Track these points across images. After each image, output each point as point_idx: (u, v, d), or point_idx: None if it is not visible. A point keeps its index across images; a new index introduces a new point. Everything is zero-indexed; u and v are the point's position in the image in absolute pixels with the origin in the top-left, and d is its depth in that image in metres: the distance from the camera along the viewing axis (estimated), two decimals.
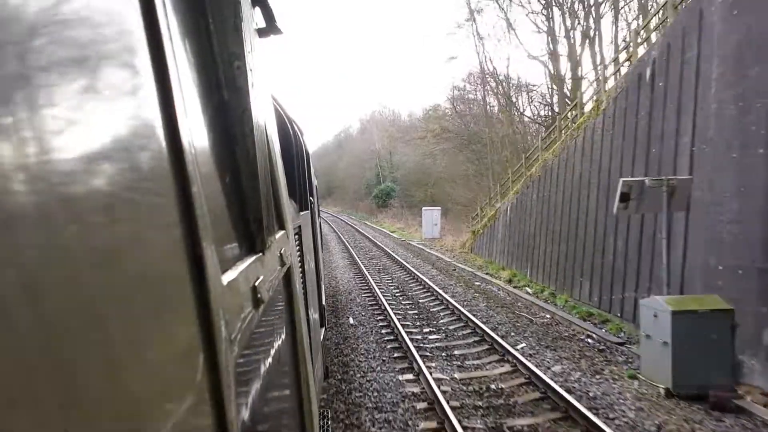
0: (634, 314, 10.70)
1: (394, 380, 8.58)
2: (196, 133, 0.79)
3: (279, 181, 1.91)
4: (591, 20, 27.79)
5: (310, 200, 7.41)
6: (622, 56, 16.44)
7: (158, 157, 0.62)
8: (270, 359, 1.34)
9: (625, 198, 8.97)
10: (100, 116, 0.49)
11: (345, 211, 75.63)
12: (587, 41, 28.00)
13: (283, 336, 1.63)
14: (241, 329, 0.91)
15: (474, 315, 12.46)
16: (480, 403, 7.51)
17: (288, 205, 2.27)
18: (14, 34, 0.37)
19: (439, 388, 7.85)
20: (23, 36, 0.38)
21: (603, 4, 27.67)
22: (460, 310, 12.75)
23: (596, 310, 12.74)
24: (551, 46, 30.21)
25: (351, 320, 12.84)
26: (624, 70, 14.50)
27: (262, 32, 2.00)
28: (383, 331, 11.68)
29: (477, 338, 10.79)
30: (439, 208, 35.45)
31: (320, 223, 11.33)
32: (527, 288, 16.83)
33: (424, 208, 35.10)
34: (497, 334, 10.68)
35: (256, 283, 1.10)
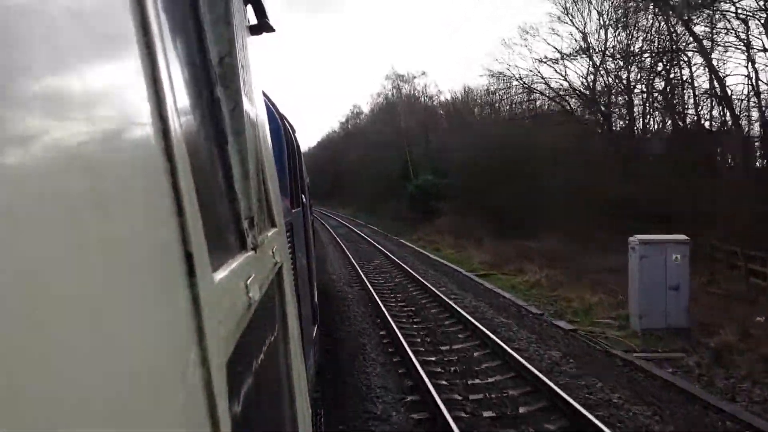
0: None
1: None
2: (186, 130, 0.79)
3: (270, 179, 1.90)
4: None
5: (302, 198, 7.40)
6: None
7: (148, 155, 0.61)
8: (262, 357, 1.34)
9: None
10: (89, 113, 0.49)
11: (356, 214, 53.96)
12: None
13: (274, 334, 1.62)
14: (231, 328, 0.91)
15: None
16: None
17: (279, 203, 2.26)
18: (1, 29, 0.36)
19: None
20: (9, 32, 0.38)
21: None
22: None
23: None
24: None
25: None
26: None
27: (253, 29, 1.99)
28: None
29: None
30: (685, 239, 11.79)
31: (313, 221, 11.23)
32: None
33: (637, 240, 11.66)
34: None
35: (248, 281, 1.09)
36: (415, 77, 61.83)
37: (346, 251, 25.73)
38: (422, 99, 60.66)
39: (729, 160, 26.94)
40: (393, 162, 50.70)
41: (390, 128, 55.65)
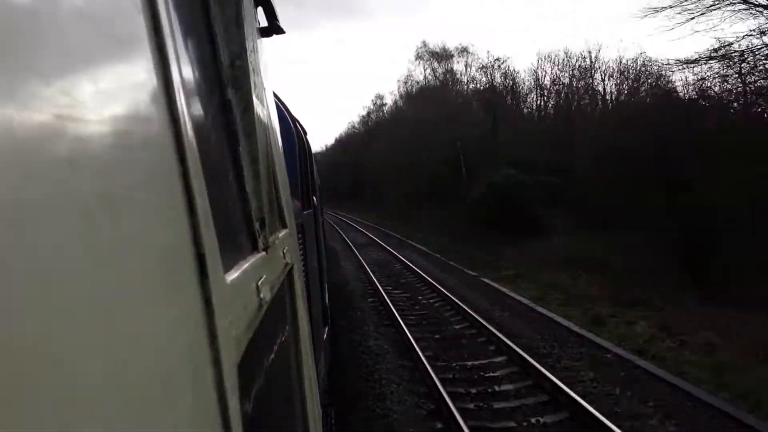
0: None
1: None
2: (198, 132, 0.79)
3: (281, 180, 1.91)
4: None
5: (313, 199, 7.42)
6: None
7: (161, 156, 0.62)
8: (273, 358, 1.34)
9: None
10: (102, 115, 0.49)
11: (385, 222, 39.52)
12: None
13: (285, 335, 1.63)
14: (243, 328, 0.91)
15: None
16: None
17: (290, 204, 2.27)
18: (13, 30, 0.37)
19: None
20: (22, 32, 0.38)
21: None
22: None
23: None
24: None
25: None
26: None
27: (264, 31, 1.99)
28: None
29: None
30: None
31: (323, 222, 11.20)
32: None
33: None
34: None
35: (259, 283, 1.10)
36: (452, 55, 47.67)
37: (404, 328, 11.37)
38: (465, 80, 46.18)
39: None
40: (435, 156, 36.32)
41: (431, 115, 41.54)
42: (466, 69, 46.91)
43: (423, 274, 18.07)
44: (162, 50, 0.65)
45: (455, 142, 35.57)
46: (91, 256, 0.42)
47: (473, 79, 45.40)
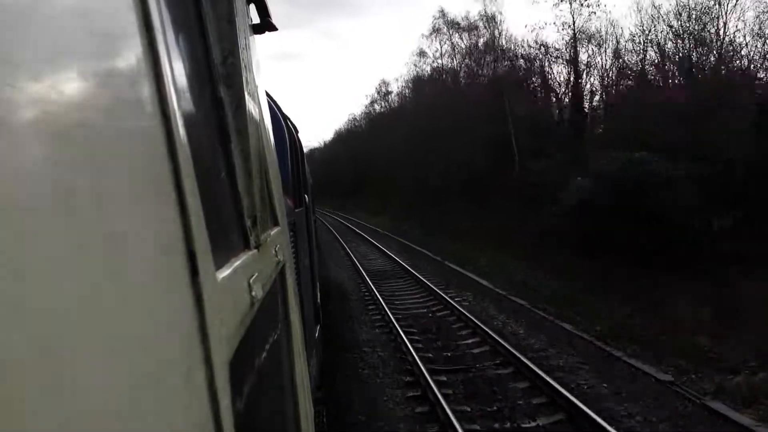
0: None
1: None
2: (190, 129, 0.79)
3: (273, 178, 1.91)
4: None
5: (305, 197, 7.41)
6: None
7: (152, 153, 0.61)
8: (264, 357, 1.34)
9: None
10: (93, 112, 0.49)
11: (404, 230, 29.40)
12: None
13: (277, 333, 1.62)
14: (234, 327, 0.91)
15: None
16: None
17: (282, 202, 2.26)
18: (2, 26, 0.36)
19: None
20: (11, 28, 0.37)
21: None
22: None
23: None
24: None
25: None
26: None
27: (256, 28, 1.99)
28: None
29: None
30: None
31: (315, 220, 11.15)
32: None
33: None
34: None
35: (251, 280, 1.09)
36: (477, 26, 37.74)
37: None
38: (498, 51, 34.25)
39: None
40: (468, 142, 27.12)
41: (459, 91, 33.83)
42: (493, 42, 36.07)
43: (548, 380, 8.02)
44: (153, 47, 0.65)
45: (504, 121, 26.12)
46: (82, 254, 0.42)
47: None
